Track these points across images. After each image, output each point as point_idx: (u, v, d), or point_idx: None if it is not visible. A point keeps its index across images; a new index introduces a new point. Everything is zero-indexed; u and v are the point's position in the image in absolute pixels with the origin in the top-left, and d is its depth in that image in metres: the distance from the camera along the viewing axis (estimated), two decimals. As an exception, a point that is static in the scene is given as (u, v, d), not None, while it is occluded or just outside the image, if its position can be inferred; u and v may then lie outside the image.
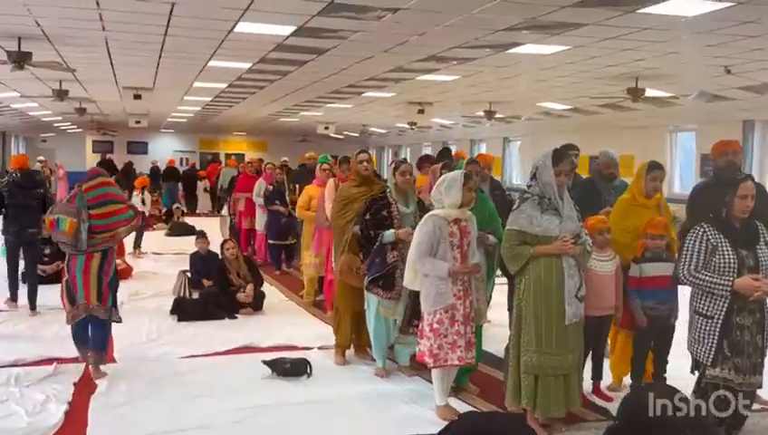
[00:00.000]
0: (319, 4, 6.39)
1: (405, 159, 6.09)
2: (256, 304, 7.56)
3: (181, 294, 8.24)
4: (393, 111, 16.83)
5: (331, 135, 27.83)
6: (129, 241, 12.16)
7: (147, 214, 12.73)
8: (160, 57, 9.94)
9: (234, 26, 7.49)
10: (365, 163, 5.75)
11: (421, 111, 15.12)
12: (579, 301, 4.22)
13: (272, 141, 32.47)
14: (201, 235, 8.87)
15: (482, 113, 15.91)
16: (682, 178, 15.30)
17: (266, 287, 8.20)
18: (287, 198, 9.67)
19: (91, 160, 30.01)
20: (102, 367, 5.41)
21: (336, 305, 5.91)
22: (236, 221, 11.56)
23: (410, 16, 6.75)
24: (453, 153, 7.85)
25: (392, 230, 5.23)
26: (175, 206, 16.35)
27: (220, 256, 7.84)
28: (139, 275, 9.74)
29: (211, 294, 7.45)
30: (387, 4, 6.36)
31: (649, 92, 10.75)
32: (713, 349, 3.93)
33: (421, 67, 10.05)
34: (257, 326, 6.97)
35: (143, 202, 12.37)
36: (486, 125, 20.46)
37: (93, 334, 5.36)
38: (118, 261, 9.04)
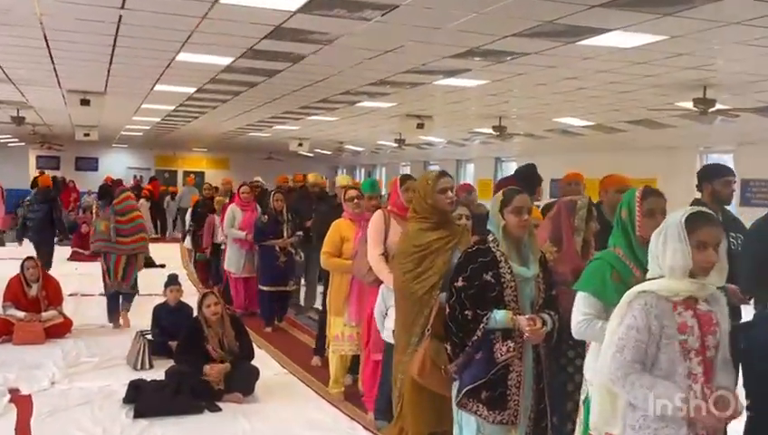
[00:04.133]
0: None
1: (517, 189, 3.43)
2: (246, 385, 5.33)
3: (139, 367, 5.98)
4: (386, 125, 14.73)
5: (301, 153, 25.64)
6: (68, 283, 9.89)
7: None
8: (114, 48, 7.69)
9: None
10: (450, 193, 3.65)
11: (420, 126, 13.05)
12: None
13: (234, 159, 30.23)
14: (173, 281, 6.61)
15: (489, 130, 13.97)
16: (715, 206, 13.56)
17: (257, 355, 5.92)
18: (285, 231, 7.43)
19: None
20: None
21: (400, 422, 3.72)
22: (209, 259, 9.33)
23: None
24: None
25: (508, 312, 3.12)
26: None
27: (195, 315, 5.57)
28: (80, 331, 7.36)
29: (183, 374, 5.18)
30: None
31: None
32: None
33: (447, 67, 7.98)
34: (253, 427, 4.74)
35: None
36: (476, 142, 18.56)
37: (122, 301, 7.70)
38: (54, 312, 6.90)
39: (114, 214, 7.47)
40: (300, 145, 20.67)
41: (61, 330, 7.08)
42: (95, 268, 12.01)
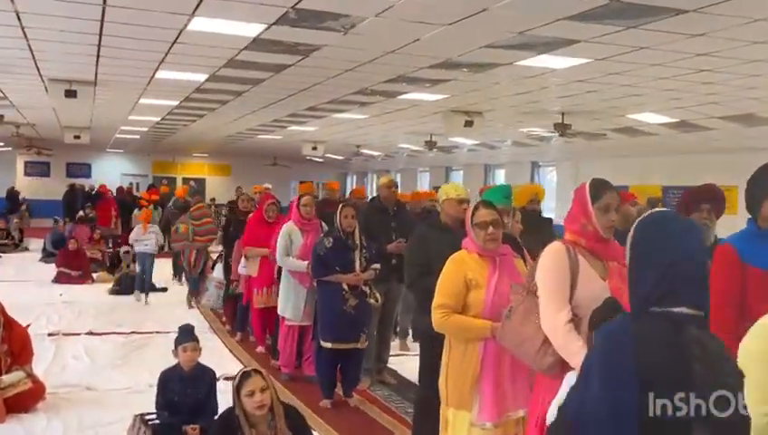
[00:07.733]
0: None
1: None
2: None
3: (139, 473, 3.96)
4: (423, 123, 12.76)
5: (309, 158, 23.65)
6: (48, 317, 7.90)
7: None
8: (104, 15, 5.72)
9: None
10: None
11: (469, 123, 11.08)
12: None
13: (237, 165, 28.37)
14: (187, 335, 4.50)
15: (541, 129, 12.04)
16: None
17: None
18: (359, 261, 5.14)
19: (23, 185, 25.30)
20: None
21: None
22: (241, 294, 7.23)
23: None
24: None
25: None
26: (124, 250, 11.81)
27: (231, 408, 3.53)
28: (55, 401, 5.28)
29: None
30: None
31: None
32: None
33: (550, 37, 5.97)
34: None
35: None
36: (507, 142, 16.49)
37: (192, 284, 9.58)
38: (20, 374, 4.98)
39: (191, 219, 9.40)
40: (314, 149, 18.69)
41: (28, 401, 5.02)
42: (84, 293, 10.25)
